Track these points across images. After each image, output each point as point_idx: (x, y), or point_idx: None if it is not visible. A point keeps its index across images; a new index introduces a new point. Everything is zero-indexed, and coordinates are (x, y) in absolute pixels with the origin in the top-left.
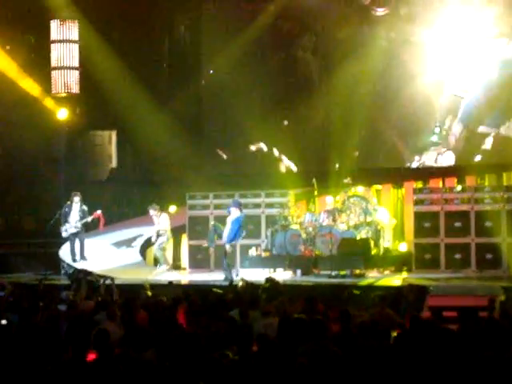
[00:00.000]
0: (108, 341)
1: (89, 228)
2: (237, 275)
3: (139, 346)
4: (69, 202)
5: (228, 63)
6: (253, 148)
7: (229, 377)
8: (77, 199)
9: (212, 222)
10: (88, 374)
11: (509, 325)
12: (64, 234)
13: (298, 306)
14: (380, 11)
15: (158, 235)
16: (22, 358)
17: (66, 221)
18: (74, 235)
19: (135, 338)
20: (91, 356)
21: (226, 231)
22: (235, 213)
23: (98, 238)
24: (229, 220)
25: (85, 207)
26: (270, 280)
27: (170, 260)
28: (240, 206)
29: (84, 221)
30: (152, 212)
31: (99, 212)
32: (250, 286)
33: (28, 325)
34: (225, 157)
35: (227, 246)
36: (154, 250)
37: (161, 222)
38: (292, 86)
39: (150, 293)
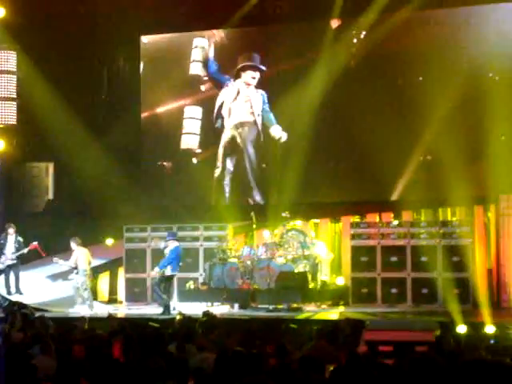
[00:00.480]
0: (36, 376)
1: (25, 260)
2: (174, 309)
3: (74, 379)
4: (3, 234)
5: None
6: None
7: None
8: (11, 231)
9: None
10: None
11: (444, 360)
12: (0, 267)
13: (235, 339)
14: None
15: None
16: None
17: (2, 253)
18: (10, 267)
19: (70, 371)
20: None
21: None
22: (172, 244)
23: (33, 270)
24: (166, 251)
25: (20, 238)
26: (206, 314)
27: (106, 293)
28: (176, 236)
29: (20, 252)
30: (72, 245)
31: (35, 243)
32: (187, 320)
33: None
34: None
35: (155, 270)
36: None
37: (72, 258)
38: None
39: (86, 326)
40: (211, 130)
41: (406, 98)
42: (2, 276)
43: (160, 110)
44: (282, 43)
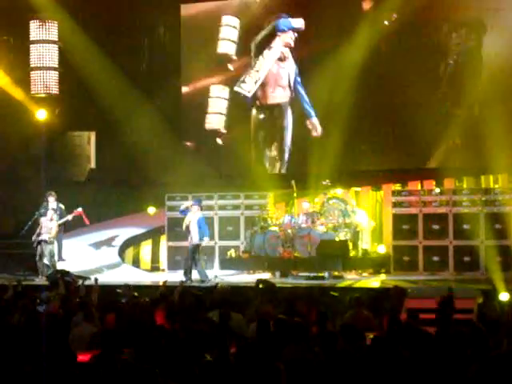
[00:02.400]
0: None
1: (68, 227)
2: (215, 277)
3: (110, 347)
4: (44, 203)
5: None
6: None
7: (206, 378)
8: (52, 199)
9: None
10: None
11: (486, 327)
12: (43, 237)
13: (277, 307)
14: None
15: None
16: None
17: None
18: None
19: (105, 339)
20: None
21: (195, 231)
22: (198, 213)
23: (76, 238)
24: (193, 219)
25: (61, 205)
26: (263, 281)
27: (149, 262)
28: (200, 204)
29: (64, 220)
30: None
31: (80, 209)
32: (230, 288)
33: (5, 326)
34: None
35: (206, 240)
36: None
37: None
38: None
39: (130, 294)
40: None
41: (447, 67)
42: (48, 248)
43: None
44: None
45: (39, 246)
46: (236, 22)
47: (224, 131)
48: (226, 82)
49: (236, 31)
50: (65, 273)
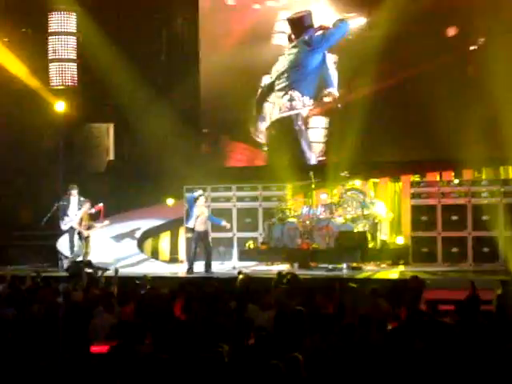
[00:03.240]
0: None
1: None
2: (234, 268)
3: (129, 338)
4: (66, 196)
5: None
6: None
7: (224, 369)
8: (74, 192)
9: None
10: (88, 365)
11: (505, 318)
12: (64, 227)
13: (296, 298)
14: None
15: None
16: (19, 349)
17: (65, 214)
18: (73, 228)
19: (124, 330)
20: (95, 348)
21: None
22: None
23: (97, 230)
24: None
25: (83, 199)
26: (289, 273)
27: (168, 253)
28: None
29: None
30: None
31: (101, 205)
32: (249, 279)
33: (25, 317)
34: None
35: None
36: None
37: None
38: None
39: (148, 285)
40: None
41: (468, 57)
42: (66, 236)
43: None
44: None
45: (68, 234)
46: None
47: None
48: None
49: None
50: (87, 263)
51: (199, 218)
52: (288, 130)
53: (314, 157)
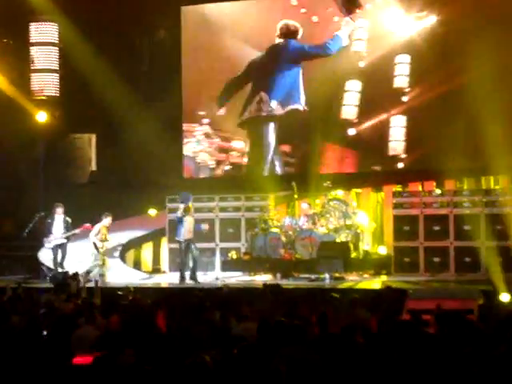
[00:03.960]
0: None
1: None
2: (217, 278)
3: (114, 349)
4: (51, 214)
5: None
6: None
7: (206, 380)
8: (59, 210)
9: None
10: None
11: (487, 328)
12: (47, 245)
13: (278, 309)
14: None
15: None
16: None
17: (50, 232)
18: (58, 246)
19: (109, 341)
20: (77, 360)
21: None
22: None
23: (79, 241)
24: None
25: (68, 219)
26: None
27: (150, 264)
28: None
29: (70, 233)
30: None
31: (88, 225)
32: (231, 290)
33: (7, 328)
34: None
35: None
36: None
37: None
38: None
39: (130, 296)
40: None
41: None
42: (49, 251)
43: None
44: None
45: (52, 250)
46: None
47: None
48: None
49: None
50: (75, 274)
51: (188, 227)
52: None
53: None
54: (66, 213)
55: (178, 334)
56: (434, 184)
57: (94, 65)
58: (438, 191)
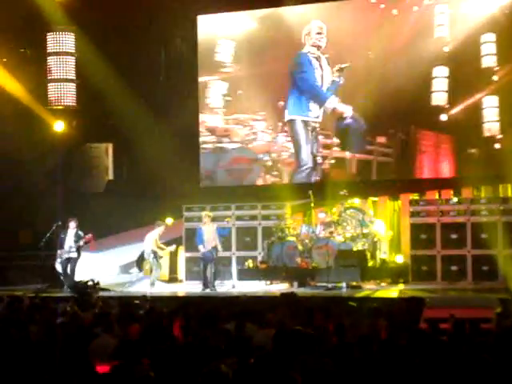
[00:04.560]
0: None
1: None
2: (233, 287)
3: (132, 358)
4: (64, 229)
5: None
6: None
7: None
8: (72, 225)
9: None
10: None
11: (505, 336)
12: (59, 260)
13: (295, 317)
14: None
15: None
16: (19, 370)
17: (62, 246)
18: (67, 260)
19: (128, 350)
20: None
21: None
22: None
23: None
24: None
25: (80, 233)
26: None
27: (167, 273)
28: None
29: (76, 245)
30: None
31: (90, 235)
32: (247, 298)
33: (24, 338)
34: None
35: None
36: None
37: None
38: None
39: (147, 305)
40: None
41: None
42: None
43: None
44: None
45: (63, 263)
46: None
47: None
48: None
49: None
50: (96, 284)
51: (207, 237)
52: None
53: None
54: (82, 223)
55: (195, 343)
56: (451, 192)
57: (111, 74)
58: (455, 199)
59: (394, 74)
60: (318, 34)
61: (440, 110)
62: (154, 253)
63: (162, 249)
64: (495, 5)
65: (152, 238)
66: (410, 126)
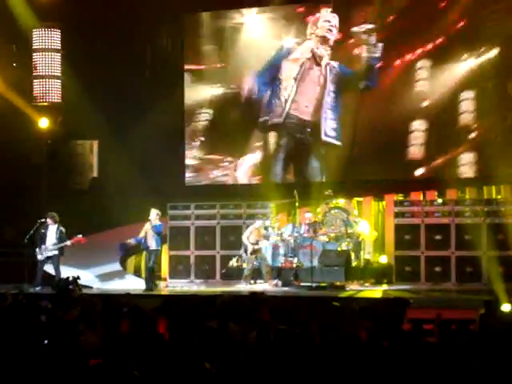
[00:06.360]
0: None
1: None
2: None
3: (117, 356)
4: (44, 224)
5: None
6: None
7: None
8: (52, 220)
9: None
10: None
11: (488, 338)
12: (39, 257)
13: (278, 317)
14: None
15: None
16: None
17: (43, 243)
18: (49, 258)
19: (112, 348)
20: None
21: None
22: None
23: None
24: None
25: (62, 229)
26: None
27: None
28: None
29: (62, 245)
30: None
31: (80, 236)
32: (231, 297)
33: (8, 334)
34: None
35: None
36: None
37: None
38: None
39: (131, 303)
40: None
41: None
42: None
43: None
44: None
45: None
46: None
47: None
48: None
49: None
50: (76, 280)
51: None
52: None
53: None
54: (67, 220)
55: (179, 342)
56: (436, 193)
57: (96, 71)
58: (440, 200)
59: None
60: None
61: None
62: (245, 246)
63: (257, 242)
64: (475, 61)
65: (246, 233)
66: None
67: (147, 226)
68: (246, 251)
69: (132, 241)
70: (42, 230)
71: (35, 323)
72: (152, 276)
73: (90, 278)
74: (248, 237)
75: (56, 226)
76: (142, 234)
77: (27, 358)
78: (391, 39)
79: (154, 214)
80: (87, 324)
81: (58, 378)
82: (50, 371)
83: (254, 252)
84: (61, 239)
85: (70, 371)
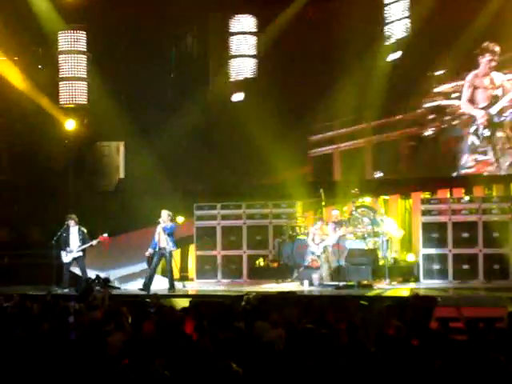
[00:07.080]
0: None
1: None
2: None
3: (146, 355)
4: (65, 226)
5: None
6: None
7: None
8: (72, 222)
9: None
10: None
11: None
12: (65, 260)
13: (306, 316)
14: None
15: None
16: (29, 368)
17: (67, 245)
18: (75, 260)
19: (142, 347)
20: None
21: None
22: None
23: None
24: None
25: (83, 229)
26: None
27: (177, 271)
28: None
29: (87, 245)
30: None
31: (106, 235)
32: (258, 297)
33: (35, 336)
34: None
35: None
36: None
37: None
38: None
39: (158, 303)
40: None
41: None
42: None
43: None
44: None
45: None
46: None
47: None
48: None
49: None
50: (97, 279)
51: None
52: None
53: None
54: (93, 221)
55: (207, 342)
56: (463, 191)
57: (122, 72)
58: (467, 198)
59: None
60: None
61: None
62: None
63: (323, 240)
64: None
65: (310, 236)
66: None
67: (158, 229)
68: (312, 253)
69: (149, 251)
70: (64, 234)
71: (63, 324)
72: (171, 276)
73: (117, 279)
74: (313, 239)
75: (77, 227)
76: (156, 238)
77: (56, 358)
78: None
79: (165, 215)
80: (115, 324)
81: (89, 378)
82: (80, 371)
83: (324, 252)
84: (84, 240)
85: (99, 371)
